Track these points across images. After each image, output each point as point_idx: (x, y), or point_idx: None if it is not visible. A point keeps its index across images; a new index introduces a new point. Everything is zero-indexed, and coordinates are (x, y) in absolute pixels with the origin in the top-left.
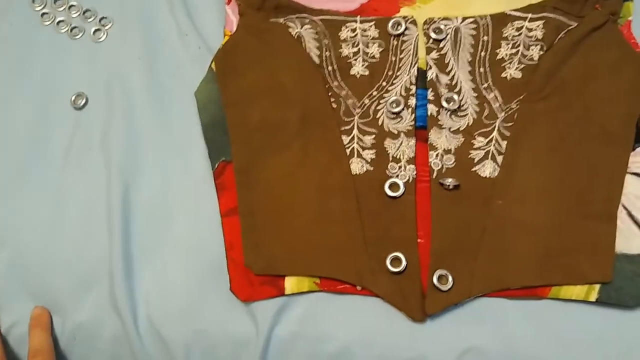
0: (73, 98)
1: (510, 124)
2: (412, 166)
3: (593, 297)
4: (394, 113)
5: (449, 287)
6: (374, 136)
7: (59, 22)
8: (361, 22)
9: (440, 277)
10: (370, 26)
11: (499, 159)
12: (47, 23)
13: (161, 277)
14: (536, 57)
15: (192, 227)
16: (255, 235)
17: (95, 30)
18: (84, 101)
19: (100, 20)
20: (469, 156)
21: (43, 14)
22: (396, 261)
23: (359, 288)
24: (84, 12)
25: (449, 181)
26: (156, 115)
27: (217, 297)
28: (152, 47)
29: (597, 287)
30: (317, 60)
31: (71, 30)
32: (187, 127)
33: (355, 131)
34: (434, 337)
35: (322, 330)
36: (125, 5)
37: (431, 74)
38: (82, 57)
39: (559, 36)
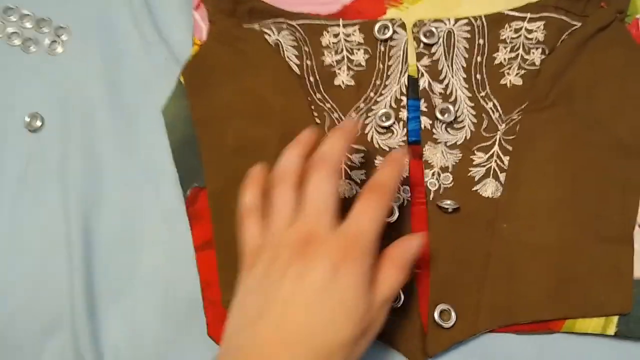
0: (28, 120)
1: (512, 136)
2: (407, 187)
3: (611, 331)
4: (384, 127)
5: (452, 323)
6: (362, 154)
7: (11, 34)
8: (344, 26)
9: (442, 312)
10: (354, 30)
11: (502, 176)
12: None
13: (130, 320)
14: (538, 62)
15: (164, 262)
16: (233, 272)
17: (51, 42)
18: (39, 122)
19: (56, 31)
20: (469, 174)
21: None
22: None
23: None
24: (37, 22)
25: (448, 203)
26: (119, 136)
27: (194, 342)
28: (113, 59)
29: (615, 319)
30: (297, 70)
31: (24, 43)
32: (154, 148)
33: None
34: None
35: None
36: (83, 13)
37: (423, 82)
38: (37, 72)
39: (562, 38)
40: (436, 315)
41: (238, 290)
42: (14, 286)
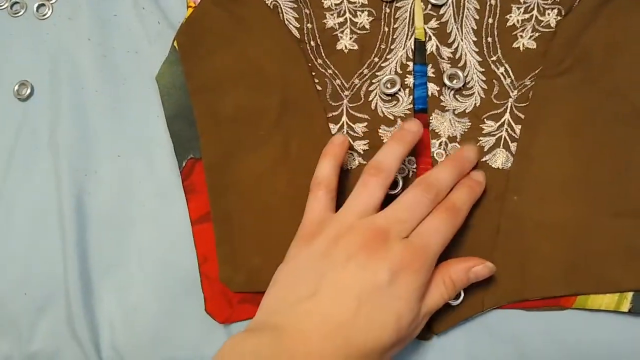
0: (16, 88)
1: (524, 104)
2: (412, 158)
3: (625, 307)
4: (388, 95)
5: (459, 301)
6: (366, 123)
7: None
8: None
9: None
10: None
11: (513, 146)
12: None
13: (125, 297)
14: (553, 23)
15: (159, 237)
16: (231, 246)
17: (39, 6)
18: (28, 91)
19: None
20: (478, 144)
21: None
22: None
23: None
24: None
25: None
26: (112, 105)
27: (191, 319)
28: (104, 23)
29: (630, 295)
30: (297, 34)
31: (11, 7)
32: (148, 118)
33: (344, 118)
34: (441, 356)
35: None
36: None
37: (431, 46)
38: (25, 38)
39: None
40: None
41: (290, 258)
42: (5, 263)
